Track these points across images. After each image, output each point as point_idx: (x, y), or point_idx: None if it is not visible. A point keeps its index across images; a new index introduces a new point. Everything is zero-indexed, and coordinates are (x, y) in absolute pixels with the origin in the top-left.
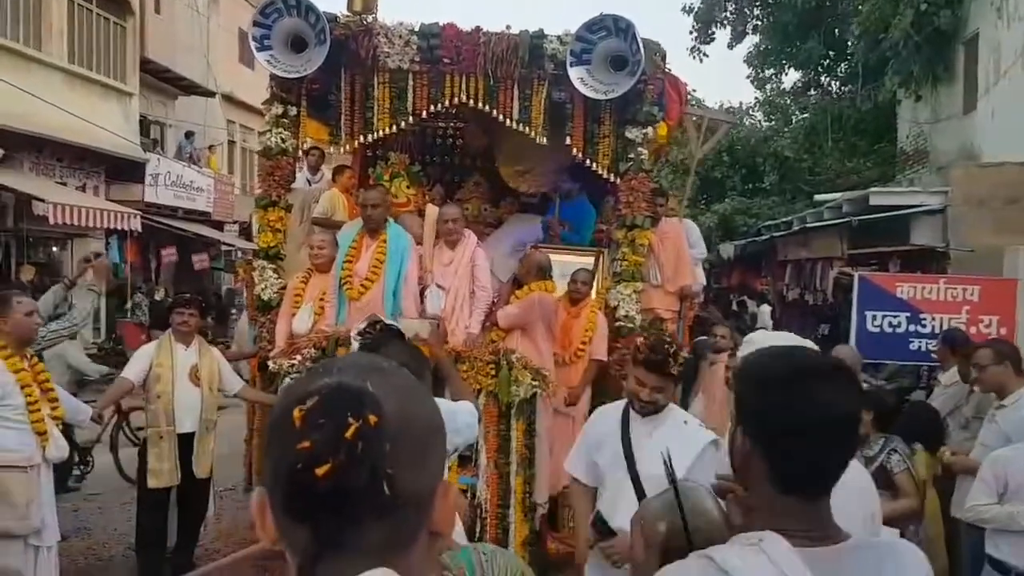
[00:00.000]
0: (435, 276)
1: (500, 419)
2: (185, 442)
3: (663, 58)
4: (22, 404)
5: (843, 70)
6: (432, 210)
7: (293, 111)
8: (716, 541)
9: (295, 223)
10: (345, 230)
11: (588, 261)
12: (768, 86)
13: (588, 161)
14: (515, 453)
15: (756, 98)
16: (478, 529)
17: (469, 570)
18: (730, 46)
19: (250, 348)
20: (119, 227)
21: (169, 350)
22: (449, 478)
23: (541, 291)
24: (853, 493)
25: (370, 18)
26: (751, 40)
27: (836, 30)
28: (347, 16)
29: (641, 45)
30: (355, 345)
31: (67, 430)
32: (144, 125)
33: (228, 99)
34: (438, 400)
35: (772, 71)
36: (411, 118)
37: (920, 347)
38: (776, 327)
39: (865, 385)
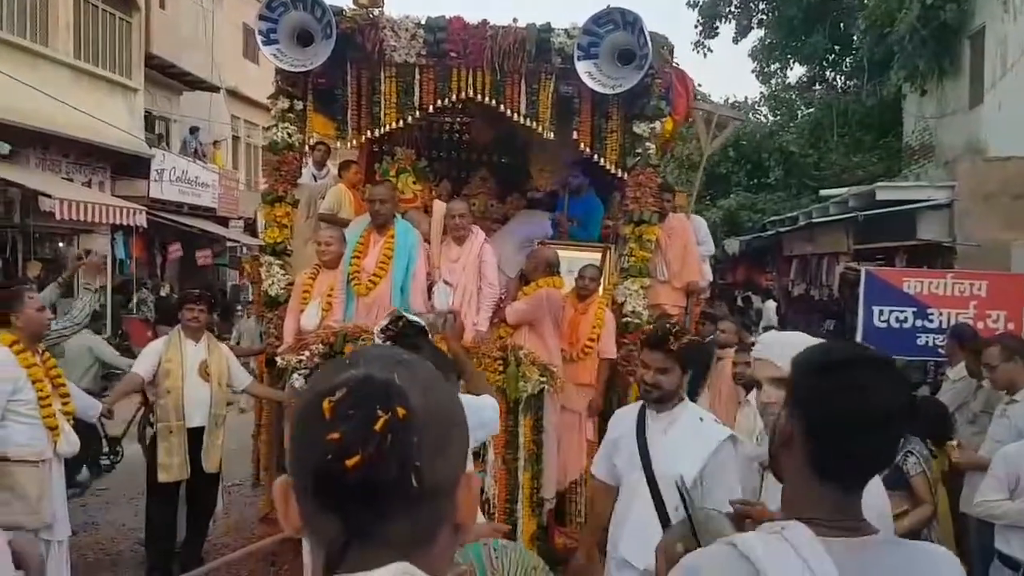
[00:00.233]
0: (442, 272)
1: (508, 415)
2: (194, 437)
3: (671, 52)
4: (33, 399)
5: (848, 64)
6: (439, 206)
7: (299, 106)
8: None
9: (301, 219)
10: (353, 226)
11: (595, 257)
12: (773, 81)
13: (595, 156)
14: (523, 449)
15: (761, 93)
16: None
17: (479, 566)
18: (735, 40)
19: (257, 345)
20: (125, 223)
21: (179, 346)
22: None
23: (549, 287)
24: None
25: (376, 11)
26: (756, 34)
27: (841, 24)
28: (353, 10)
29: (649, 39)
30: (378, 341)
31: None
32: (149, 121)
33: (233, 94)
34: (461, 396)
35: (777, 66)
36: (418, 113)
37: (927, 342)
38: (781, 323)
39: None
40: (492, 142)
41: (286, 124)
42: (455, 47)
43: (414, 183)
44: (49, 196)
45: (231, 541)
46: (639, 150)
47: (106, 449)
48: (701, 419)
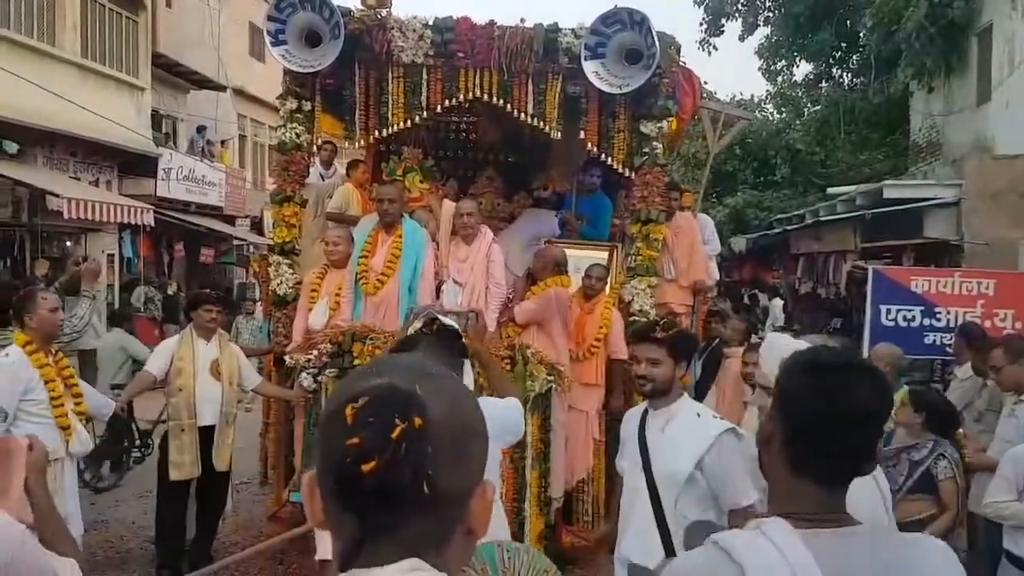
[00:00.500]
0: (451, 271)
1: None
2: (205, 435)
3: (678, 51)
4: (46, 399)
5: (855, 62)
6: (448, 205)
7: (307, 106)
8: None
9: (309, 218)
10: (361, 225)
11: (602, 256)
12: (779, 78)
13: (603, 156)
14: (530, 448)
15: (767, 91)
16: None
17: (492, 567)
18: (741, 38)
19: (264, 345)
20: (132, 222)
21: (191, 344)
22: None
23: (557, 286)
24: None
25: (384, 12)
26: (762, 32)
27: (848, 21)
28: (361, 10)
29: (656, 38)
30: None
31: (131, 415)
32: (156, 120)
33: (239, 93)
34: (487, 399)
35: (783, 63)
36: (425, 113)
37: (935, 341)
38: (788, 321)
39: (920, 387)
40: (499, 141)
41: (294, 124)
42: (462, 47)
43: (421, 182)
44: (57, 195)
45: (239, 539)
46: (646, 149)
47: (137, 442)
48: (698, 415)
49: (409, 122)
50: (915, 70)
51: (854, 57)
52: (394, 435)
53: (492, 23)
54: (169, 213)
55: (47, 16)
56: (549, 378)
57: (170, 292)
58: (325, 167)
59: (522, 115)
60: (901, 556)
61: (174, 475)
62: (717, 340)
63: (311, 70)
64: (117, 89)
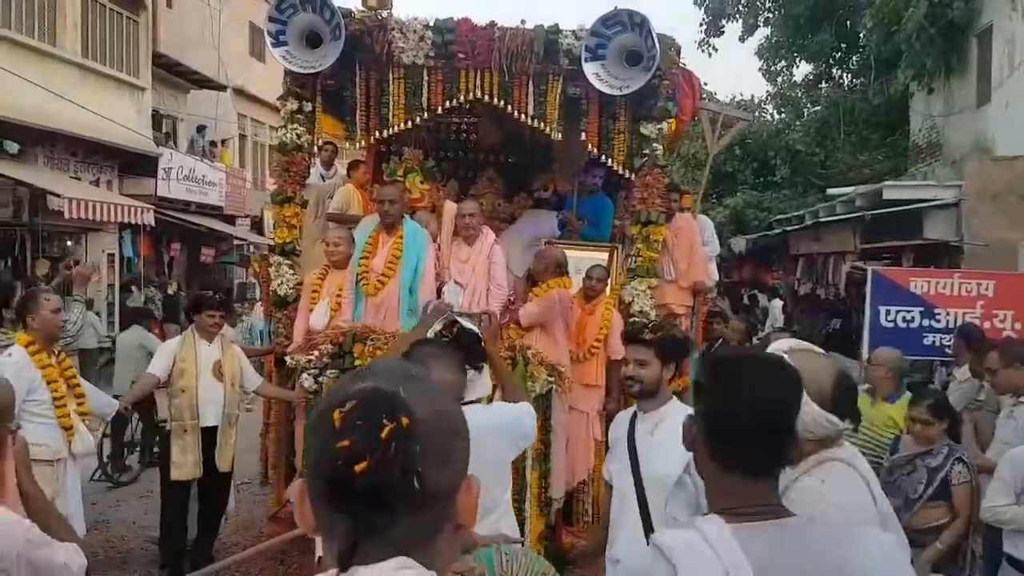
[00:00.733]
0: (453, 272)
1: None
2: (208, 436)
3: (678, 53)
4: (48, 399)
5: (855, 62)
6: (450, 206)
7: (308, 107)
8: None
9: (310, 218)
10: (361, 226)
11: (602, 257)
12: (779, 79)
13: (603, 157)
14: (531, 448)
15: (767, 91)
16: None
17: (490, 570)
18: (742, 39)
19: (265, 345)
20: (133, 221)
21: (193, 346)
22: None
23: (559, 288)
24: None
25: (385, 13)
26: (762, 33)
27: (848, 22)
28: (362, 12)
29: (656, 40)
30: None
31: (151, 411)
32: (156, 119)
33: (239, 93)
34: (500, 404)
35: (783, 64)
36: (426, 114)
37: (934, 342)
38: (788, 322)
39: (924, 391)
40: (499, 142)
41: (295, 125)
42: (463, 48)
43: (421, 183)
44: (57, 195)
45: (240, 539)
46: (646, 151)
47: (157, 438)
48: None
49: (410, 123)
50: (915, 71)
51: (854, 58)
52: (383, 435)
53: (493, 24)
54: (169, 213)
55: (48, 16)
56: (550, 379)
57: (170, 292)
58: (326, 168)
59: (523, 116)
60: (835, 545)
61: (176, 475)
62: (720, 340)
63: (312, 71)
64: (117, 89)
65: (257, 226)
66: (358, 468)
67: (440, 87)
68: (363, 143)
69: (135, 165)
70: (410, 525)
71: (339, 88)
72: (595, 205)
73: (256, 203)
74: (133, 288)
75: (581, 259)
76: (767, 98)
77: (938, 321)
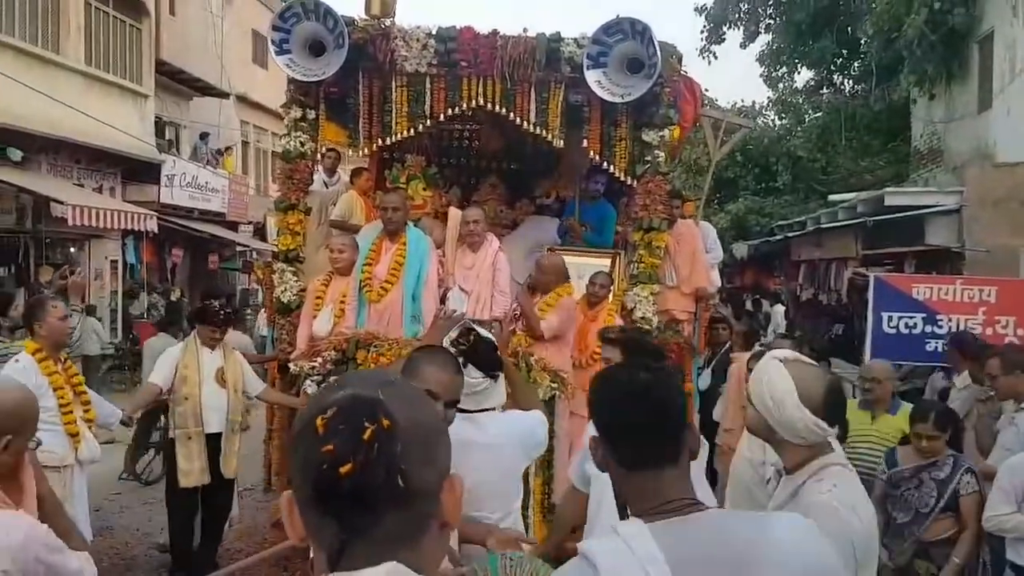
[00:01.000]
0: (457, 279)
1: None
2: (212, 443)
3: (679, 60)
4: (55, 406)
5: (856, 69)
6: (455, 213)
7: (311, 115)
8: None
9: (313, 225)
10: (365, 233)
11: (604, 263)
12: (781, 85)
13: (605, 164)
14: None
15: (769, 97)
16: None
17: (493, 575)
18: (743, 45)
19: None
20: (136, 228)
21: (195, 353)
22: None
23: (568, 295)
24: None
25: (388, 22)
26: (763, 39)
27: (849, 28)
28: (365, 20)
29: (658, 48)
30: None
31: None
32: (159, 126)
33: (242, 100)
34: (512, 412)
35: (785, 70)
36: (428, 121)
37: (936, 348)
38: (790, 327)
39: (923, 402)
40: (502, 149)
41: (299, 133)
42: (465, 56)
43: (424, 190)
44: (61, 202)
45: (244, 546)
46: (648, 158)
47: None
48: None
49: (412, 130)
50: (916, 77)
51: (855, 64)
52: (365, 437)
53: (495, 32)
54: (172, 219)
55: (51, 24)
56: (553, 385)
57: (173, 298)
58: (329, 175)
59: (525, 123)
60: (752, 536)
61: (183, 482)
62: (728, 345)
63: (315, 79)
64: (121, 96)
65: (260, 232)
66: (343, 470)
67: (443, 95)
68: (366, 150)
69: (138, 172)
70: (396, 525)
71: (342, 96)
72: (597, 211)
73: (259, 209)
74: (140, 293)
75: (583, 265)
76: (768, 104)
77: (940, 327)
